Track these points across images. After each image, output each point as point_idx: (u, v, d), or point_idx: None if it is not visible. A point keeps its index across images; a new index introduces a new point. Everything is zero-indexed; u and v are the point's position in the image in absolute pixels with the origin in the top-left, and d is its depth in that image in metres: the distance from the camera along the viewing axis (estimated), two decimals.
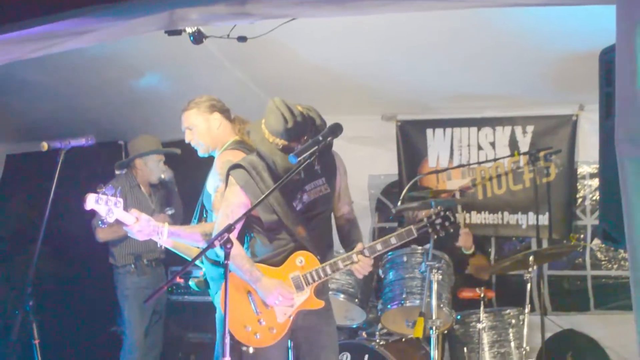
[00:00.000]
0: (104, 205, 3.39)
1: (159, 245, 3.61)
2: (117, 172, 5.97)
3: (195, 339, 6.22)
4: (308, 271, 3.71)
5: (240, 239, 3.80)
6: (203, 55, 5.13)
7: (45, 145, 3.75)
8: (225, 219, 3.54)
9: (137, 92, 5.95)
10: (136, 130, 6.46)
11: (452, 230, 3.95)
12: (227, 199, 3.69)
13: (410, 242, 5.18)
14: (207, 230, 3.76)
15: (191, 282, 4.24)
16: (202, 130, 4.08)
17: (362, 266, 3.71)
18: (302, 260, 3.72)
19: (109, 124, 6.55)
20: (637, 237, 1.98)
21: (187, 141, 4.14)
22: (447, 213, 3.85)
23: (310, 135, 3.55)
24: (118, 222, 3.58)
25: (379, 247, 3.74)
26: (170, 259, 5.81)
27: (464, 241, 5.46)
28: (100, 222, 3.46)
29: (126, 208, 3.57)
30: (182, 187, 5.86)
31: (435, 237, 3.99)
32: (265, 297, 3.63)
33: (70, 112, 6.26)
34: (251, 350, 3.65)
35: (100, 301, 6.29)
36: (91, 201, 3.39)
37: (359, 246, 3.74)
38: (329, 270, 3.71)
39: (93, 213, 3.83)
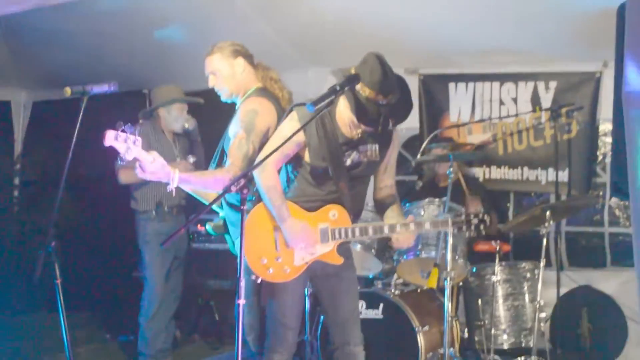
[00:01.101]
0: (123, 142, 3.41)
1: (168, 190, 3.63)
2: (141, 120, 6.03)
3: (215, 285, 6.36)
4: (337, 227, 3.72)
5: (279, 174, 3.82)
6: (227, 5, 5.16)
7: (68, 91, 3.78)
8: (272, 149, 3.52)
9: (161, 41, 5.99)
10: (160, 80, 6.50)
11: (483, 233, 3.97)
12: (281, 131, 3.68)
13: (428, 194, 5.30)
14: (219, 175, 3.75)
15: (208, 227, 4.29)
16: (226, 74, 4.04)
17: (404, 238, 3.76)
18: (335, 214, 3.74)
19: (133, 73, 6.62)
20: (639, 188, 2.01)
21: (210, 86, 4.11)
22: (486, 218, 3.86)
23: (396, 98, 3.56)
24: (136, 160, 3.61)
25: (411, 227, 3.74)
26: (192, 207, 5.91)
27: (471, 209, 5.48)
28: (119, 160, 3.50)
29: (147, 149, 3.60)
30: (204, 135, 5.93)
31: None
32: (289, 239, 3.67)
33: (96, 61, 6.33)
34: (259, 280, 3.70)
35: (122, 246, 6.44)
36: (110, 138, 3.42)
37: (409, 218, 3.78)
38: (357, 233, 3.72)
39: (113, 153, 3.86)
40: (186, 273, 6.02)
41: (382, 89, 3.52)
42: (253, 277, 3.68)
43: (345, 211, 3.75)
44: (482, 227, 3.85)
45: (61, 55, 6.29)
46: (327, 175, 3.73)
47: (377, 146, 3.77)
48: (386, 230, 3.72)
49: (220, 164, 4.09)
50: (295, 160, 3.78)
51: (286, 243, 3.71)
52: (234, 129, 3.92)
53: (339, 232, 3.72)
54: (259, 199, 3.77)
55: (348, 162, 3.75)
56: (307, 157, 3.74)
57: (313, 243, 3.71)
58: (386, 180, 3.99)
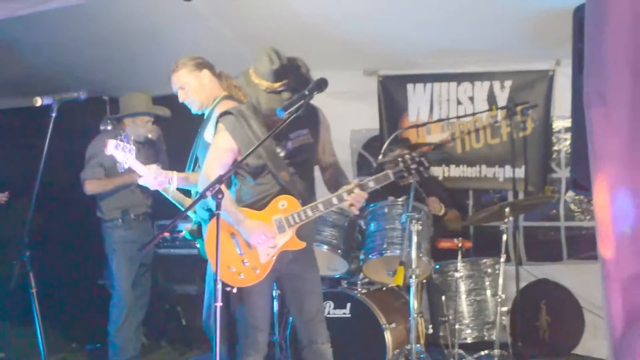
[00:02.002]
0: (122, 151, 3.60)
1: (170, 191, 3.79)
2: (101, 127, 6.03)
3: (181, 290, 6.38)
4: (290, 213, 3.84)
5: (226, 183, 3.92)
6: (187, 10, 5.18)
7: (38, 100, 3.81)
8: (214, 162, 3.73)
9: (121, 47, 5.98)
10: (121, 86, 6.51)
11: (425, 175, 4.00)
12: (216, 144, 3.85)
13: (389, 194, 5.40)
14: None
15: (185, 232, 4.39)
16: (195, 87, 4.22)
17: (354, 199, 3.77)
18: (285, 204, 3.85)
19: (93, 79, 6.57)
20: (601, 184, 2.13)
21: (180, 100, 4.27)
22: (422, 159, 3.92)
23: (293, 79, 3.71)
24: (130, 170, 3.80)
25: (356, 190, 3.78)
26: (157, 214, 5.96)
27: (432, 207, 5.57)
28: (119, 166, 3.68)
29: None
30: (169, 142, 5.97)
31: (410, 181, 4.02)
32: (249, 237, 3.77)
33: (53, 68, 6.29)
34: (235, 290, 3.80)
35: (87, 254, 6.43)
36: (111, 147, 3.61)
37: (353, 182, 3.83)
38: (310, 213, 3.82)
39: (76, 161, 3.93)
40: (152, 279, 6.05)
41: (274, 77, 3.69)
42: (227, 288, 3.75)
43: (293, 198, 3.87)
44: (422, 169, 3.90)
45: (19, 63, 6.23)
46: (267, 171, 3.86)
47: (307, 130, 3.92)
48: (335, 201, 3.81)
49: (195, 169, 4.20)
50: (238, 166, 3.86)
51: (247, 244, 3.81)
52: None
53: (292, 218, 3.84)
54: (212, 215, 3.88)
55: (282, 152, 3.88)
56: (251, 160, 3.82)
57: (271, 234, 3.80)
58: (327, 159, 4.11)
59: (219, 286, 3.13)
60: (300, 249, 3.91)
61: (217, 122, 3.89)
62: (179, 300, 6.38)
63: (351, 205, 3.81)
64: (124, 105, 5.70)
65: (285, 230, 3.85)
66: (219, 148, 3.83)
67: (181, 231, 4.51)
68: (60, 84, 6.19)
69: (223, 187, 3.73)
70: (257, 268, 3.84)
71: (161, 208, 5.88)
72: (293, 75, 3.74)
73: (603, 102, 2.07)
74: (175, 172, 3.91)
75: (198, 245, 4.35)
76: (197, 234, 4.26)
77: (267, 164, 3.83)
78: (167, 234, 6.19)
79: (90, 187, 5.52)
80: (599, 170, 2.13)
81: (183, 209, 4.09)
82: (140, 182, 3.85)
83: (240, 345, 3.96)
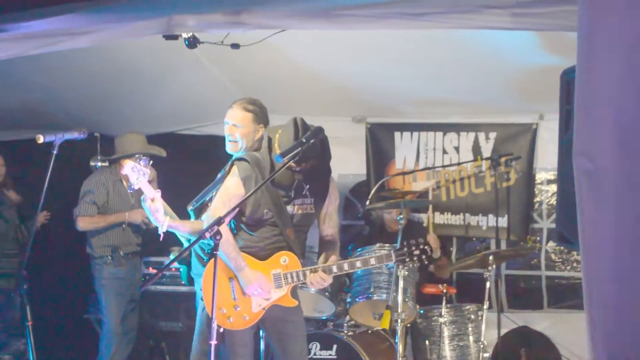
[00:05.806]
0: (136, 173, 3.71)
1: (158, 233, 3.86)
2: (92, 163, 6.09)
3: (166, 327, 6.39)
4: (289, 271, 3.96)
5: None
6: (185, 55, 5.30)
7: (40, 138, 3.93)
8: (222, 206, 3.78)
9: (114, 86, 6.06)
10: (113, 124, 6.59)
11: (426, 263, 4.23)
12: (226, 188, 3.93)
13: (377, 239, 5.53)
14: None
15: (171, 254, 4.51)
16: (247, 134, 4.21)
17: (317, 280, 3.94)
18: (286, 260, 3.97)
19: (84, 116, 6.58)
20: (589, 242, 2.26)
21: (226, 133, 4.25)
22: (426, 247, 4.11)
23: (310, 164, 3.80)
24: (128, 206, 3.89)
25: (358, 264, 4.03)
26: (145, 251, 6.03)
27: (432, 244, 5.66)
28: (129, 188, 3.80)
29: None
30: (166, 181, 6.04)
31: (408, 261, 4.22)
32: (245, 287, 3.88)
33: (46, 104, 6.30)
34: (222, 329, 3.87)
35: (75, 289, 6.47)
36: (128, 167, 3.77)
37: (332, 259, 4.00)
38: (308, 274, 3.95)
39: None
40: (138, 315, 6.08)
41: (297, 160, 3.70)
42: (214, 325, 3.84)
43: (294, 256, 3.98)
44: (424, 257, 4.09)
45: (8, 96, 6.20)
46: (271, 224, 3.96)
47: (312, 200, 4.02)
48: (334, 269, 3.95)
49: (201, 210, 4.26)
50: (238, 214, 3.97)
51: (242, 292, 3.90)
52: None
53: (290, 276, 3.95)
54: (211, 255, 3.97)
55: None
56: (249, 209, 3.94)
57: (268, 289, 3.90)
58: (326, 230, 4.23)
59: (214, 325, 3.23)
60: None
61: (232, 165, 3.97)
62: (164, 337, 6.40)
63: (311, 283, 3.97)
64: (120, 146, 5.76)
65: (282, 287, 3.96)
66: (229, 192, 3.90)
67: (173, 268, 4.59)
68: (50, 119, 6.28)
69: (226, 232, 3.85)
70: (247, 315, 3.95)
71: (150, 246, 5.97)
72: (314, 162, 3.81)
73: (591, 161, 2.20)
74: (167, 218, 3.92)
75: (181, 270, 4.45)
76: (184, 260, 4.37)
77: (275, 218, 3.92)
78: (153, 271, 6.22)
79: (83, 223, 5.59)
80: (588, 227, 2.26)
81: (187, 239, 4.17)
82: (143, 205, 3.90)
83: None
